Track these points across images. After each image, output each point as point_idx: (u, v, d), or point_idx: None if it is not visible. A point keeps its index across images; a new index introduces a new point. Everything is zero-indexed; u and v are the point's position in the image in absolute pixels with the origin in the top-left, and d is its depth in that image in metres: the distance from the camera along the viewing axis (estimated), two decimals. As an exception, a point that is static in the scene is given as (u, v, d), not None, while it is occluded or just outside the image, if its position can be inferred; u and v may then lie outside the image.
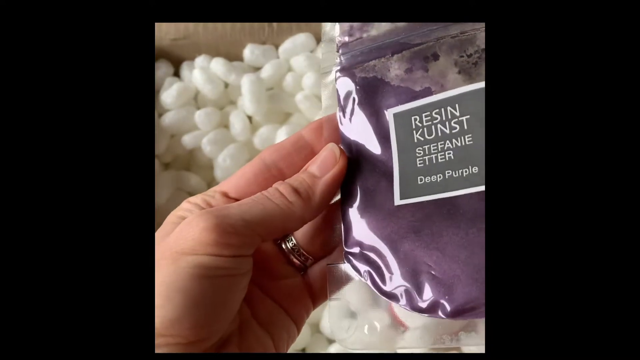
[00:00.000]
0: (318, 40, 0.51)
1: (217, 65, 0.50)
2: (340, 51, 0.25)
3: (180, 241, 0.21)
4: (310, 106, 0.49)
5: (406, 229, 0.22)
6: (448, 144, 0.22)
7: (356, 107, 0.24)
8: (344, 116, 0.24)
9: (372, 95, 0.24)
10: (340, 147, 0.24)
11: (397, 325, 0.43)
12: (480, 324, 0.25)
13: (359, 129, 0.24)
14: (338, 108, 0.25)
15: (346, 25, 0.25)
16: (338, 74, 0.25)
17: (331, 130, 0.25)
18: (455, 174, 0.21)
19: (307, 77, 0.49)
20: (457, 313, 0.21)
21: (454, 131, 0.22)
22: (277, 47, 0.52)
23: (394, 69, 0.23)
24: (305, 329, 0.45)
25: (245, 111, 0.50)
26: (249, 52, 0.51)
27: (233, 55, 0.52)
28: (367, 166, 0.23)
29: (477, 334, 0.46)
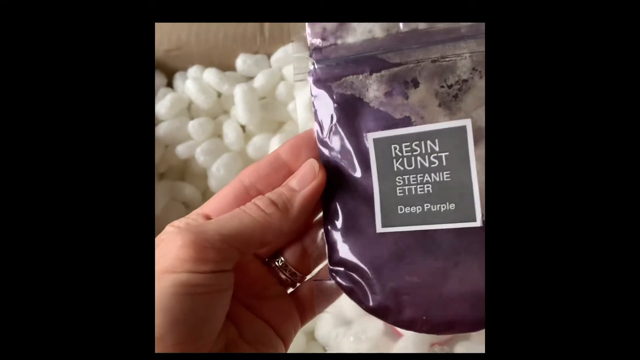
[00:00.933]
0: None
1: (210, 75, 0.50)
2: (313, 56, 0.24)
3: (160, 260, 0.21)
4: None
5: (388, 256, 0.23)
6: (427, 177, 0.22)
7: (334, 125, 0.24)
8: (322, 133, 0.24)
9: (351, 115, 0.24)
10: (319, 163, 0.24)
11: (391, 332, 0.44)
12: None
13: (338, 148, 0.24)
14: (315, 123, 0.25)
15: (318, 27, 0.24)
16: (314, 86, 0.25)
17: (309, 149, 0.25)
18: (434, 208, 0.22)
19: (299, 86, 0.50)
20: (433, 330, 0.22)
21: (432, 165, 0.22)
22: (269, 56, 0.52)
23: (373, 90, 0.23)
24: (300, 337, 0.46)
25: (238, 121, 0.50)
26: (242, 61, 0.51)
27: (225, 65, 0.52)
28: (348, 187, 0.24)
29: (469, 340, 0.47)
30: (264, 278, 0.26)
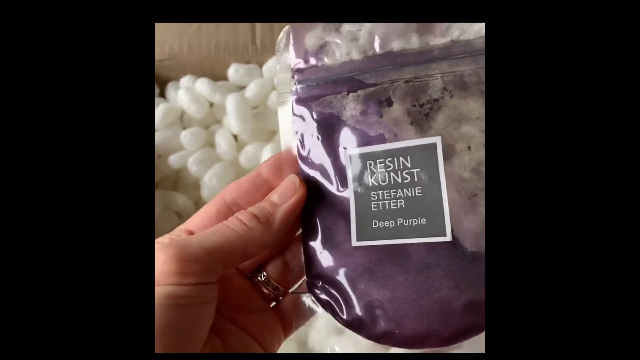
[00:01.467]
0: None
1: (202, 85, 0.51)
2: (295, 77, 0.25)
3: None
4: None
5: (362, 269, 0.23)
6: (400, 192, 0.23)
7: (314, 142, 0.25)
8: (303, 149, 0.25)
9: (329, 133, 0.24)
10: (300, 178, 0.25)
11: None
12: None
13: (317, 164, 0.25)
14: (296, 140, 0.25)
15: (301, 50, 0.25)
16: (295, 105, 0.25)
17: (289, 167, 0.26)
18: (406, 222, 0.22)
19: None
20: (406, 344, 0.22)
21: (405, 181, 0.23)
22: (261, 65, 0.53)
23: (350, 109, 0.24)
24: (292, 347, 0.46)
25: (230, 130, 0.50)
26: (234, 71, 0.52)
27: (218, 75, 0.53)
28: (326, 202, 0.24)
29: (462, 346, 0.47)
30: (247, 292, 0.27)
